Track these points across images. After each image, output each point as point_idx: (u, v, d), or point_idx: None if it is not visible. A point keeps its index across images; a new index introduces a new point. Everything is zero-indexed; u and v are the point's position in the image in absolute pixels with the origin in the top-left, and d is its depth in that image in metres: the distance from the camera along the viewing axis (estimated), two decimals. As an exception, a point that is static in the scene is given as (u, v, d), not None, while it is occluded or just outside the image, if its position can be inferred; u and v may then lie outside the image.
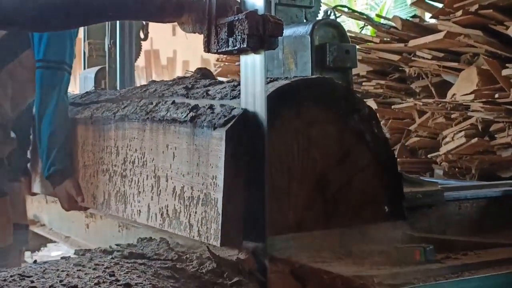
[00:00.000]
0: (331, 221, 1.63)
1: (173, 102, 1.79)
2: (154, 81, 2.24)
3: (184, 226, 1.66)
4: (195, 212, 1.60)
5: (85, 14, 1.66)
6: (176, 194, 1.70)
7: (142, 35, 3.52)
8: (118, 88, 3.36)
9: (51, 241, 3.71)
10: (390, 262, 1.68)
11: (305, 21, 2.34)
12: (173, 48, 16.15)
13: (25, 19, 1.59)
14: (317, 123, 1.60)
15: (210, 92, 1.72)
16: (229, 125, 1.50)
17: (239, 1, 1.56)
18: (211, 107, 1.62)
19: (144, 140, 1.89)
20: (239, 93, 1.58)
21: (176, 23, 1.73)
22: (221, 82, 1.86)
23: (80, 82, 3.78)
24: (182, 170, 1.67)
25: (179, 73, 13.75)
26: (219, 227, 1.49)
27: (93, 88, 3.23)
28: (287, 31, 2.11)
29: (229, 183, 1.49)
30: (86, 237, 2.83)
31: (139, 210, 1.88)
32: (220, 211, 1.49)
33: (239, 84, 1.62)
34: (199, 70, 2.06)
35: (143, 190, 1.87)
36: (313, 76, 1.74)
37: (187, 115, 1.66)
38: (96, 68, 3.62)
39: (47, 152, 2.43)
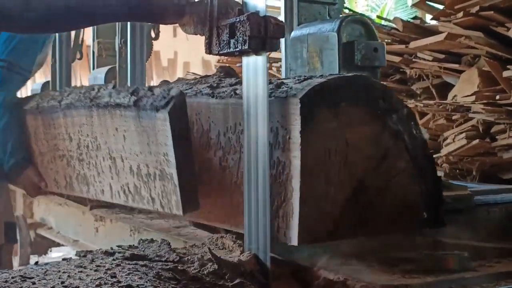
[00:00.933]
0: (366, 228, 1.55)
1: (114, 87, 1.89)
2: (166, 81, 2.26)
3: (147, 200, 1.78)
4: (155, 187, 1.73)
5: (88, 15, 1.66)
6: (134, 172, 1.82)
7: (153, 34, 3.42)
8: None
9: (58, 245, 3.70)
10: (422, 270, 1.57)
11: (328, 18, 2.26)
12: (174, 50, 16.15)
13: (26, 20, 1.59)
14: (355, 124, 1.52)
15: (238, 92, 1.65)
16: (170, 105, 1.59)
17: (240, 2, 1.56)
18: (150, 89, 1.72)
19: (94, 125, 1.97)
20: (271, 92, 1.54)
21: (177, 25, 1.73)
22: None
23: (89, 82, 3.75)
24: (135, 150, 1.77)
25: (180, 74, 13.74)
26: (179, 198, 1.63)
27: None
28: (311, 29, 2.04)
29: (180, 157, 1.61)
30: (95, 240, 2.83)
31: (102, 190, 1.99)
32: (176, 183, 1.62)
33: (270, 83, 1.58)
34: (222, 68, 2.02)
35: (102, 171, 1.97)
36: (350, 74, 1.65)
37: (130, 99, 1.74)
38: (106, 68, 3.55)
39: (3, 146, 2.51)
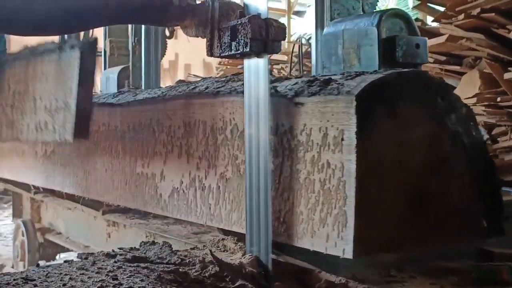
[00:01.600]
0: (425, 238, 1.42)
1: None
2: (182, 81, 2.27)
3: (50, 131, 1.87)
4: (58, 119, 1.83)
5: (86, 18, 1.66)
6: (47, 109, 1.90)
7: (167, 33, 3.25)
8: (143, 88, 3.25)
9: (67, 250, 3.64)
10: (471, 282, 1.43)
11: (362, 12, 2.14)
12: (175, 52, 16.16)
13: (27, 23, 1.60)
14: (412, 124, 1.40)
15: (279, 89, 1.56)
16: (82, 46, 1.69)
17: (242, 5, 1.57)
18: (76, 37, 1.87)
19: (28, 73, 2.04)
20: (320, 89, 1.44)
21: (178, 27, 1.73)
22: (288, 78, 1.71)
23: (102, 82, 3.62)
24: (51, 89, 1.87)
25: (181, 76, 13.75)
26: (72, 125, 1.74)
27: (127, 88, 3.17)
28: (347, 24, 1.92)
29: (80, 91, 1.72)
30: (108, 247, 2.74)
31: (21, 130, 2.07)
32: (73, 112, 1.73)
33: (316, 79, 1.49)
34: None
35: (25, 113, 2.06)
36: (408, 70, 1.52)
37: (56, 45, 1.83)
38: (118, 68, 3.48)
39: None
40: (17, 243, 3.93)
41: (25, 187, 3.65)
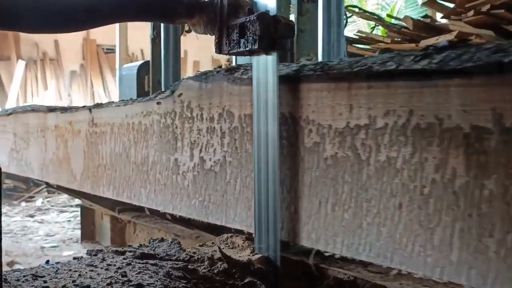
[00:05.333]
0: None
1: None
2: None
3: None
4: None
5: (95, 15, 1.67)
6: None
7: (186, 27, 3.11)
8: (162, 83, 3.14)
9: None
10: None
11: None
12: (183, 48, 16.17)
13: (33, 20, 1.60)
14: None
15: None
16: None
17: (250, 2, 1.56)
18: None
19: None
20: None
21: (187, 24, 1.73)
22: None
23: (118, 79, 3.50)
24: None
25: (189, 73, 13.78)
26: None
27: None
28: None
29: None
30: None
31: None
32: None
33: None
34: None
35: None
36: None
37: None
38: (137, 63, 3.40)
39: None
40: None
41: (106, 203, 3.29)
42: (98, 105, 2.54)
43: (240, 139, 1.69)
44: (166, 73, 3.06)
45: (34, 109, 3.22)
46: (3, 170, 3.34)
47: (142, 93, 3.56)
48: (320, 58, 2.48)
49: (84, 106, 2.69)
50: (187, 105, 1.92)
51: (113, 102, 2.44)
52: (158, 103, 2.06)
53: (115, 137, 2.35)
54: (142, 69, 3.39)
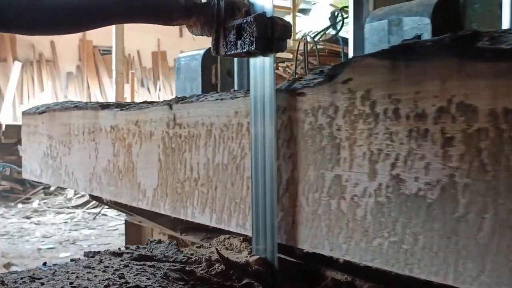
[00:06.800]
0: None
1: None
2: None
3: None
4: None
5: (92, 17, 1.67)
6: None
7: None
8: (234, 74, 2.61)
9: None
10: None
11: None
12: (180, 50, 16.20)
13: (34, 21, 1.60)
14: None
15: None
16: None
17: (247, 3, 1.57)
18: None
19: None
20: None
21: (184, 25, 1.73)
22: None
23: (176, 69, 3.00)
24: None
25: (186, 74, 13.76)
26: None
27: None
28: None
29: None
30: None
31: None
32: None
33: None
34: None
35: None
36: None
37: None
38: (201, 50, 2.87)
39: None
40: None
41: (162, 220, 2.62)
42: (183, 99, 1.93)
43: (491, 149, 1.05)
44: (241, 61, 2.51)
45: (79, 106, 2.62)
46: (33, 179, 3.16)
47: (208, 87, 2.99)
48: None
49: (159, 101, 2.11)
50: (362, 96, 1.29)
51: (206, 94, 1.87)
52: (301, 94, 1.45)
53: (216, 142, 1.75)
54: (207, 58, 2.83)
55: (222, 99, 1.73)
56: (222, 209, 1.73)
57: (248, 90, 1.59)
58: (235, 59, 2.58)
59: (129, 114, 2.19)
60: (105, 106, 2.40)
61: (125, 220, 3.11)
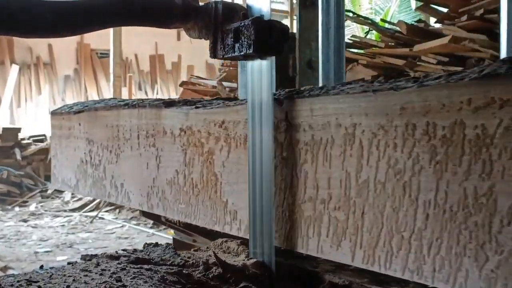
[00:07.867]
0: None
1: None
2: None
3: None
4: None
5: (89, 20, 1.67)
6: None
7: None
8: (319, 66, 2.18)
9: None
10: None
11: None
12: (177, 53, 16.23)
13: (29, 24, 1.60)
14: None
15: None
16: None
17: (245, 7, 1.57)
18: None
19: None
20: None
21: (181, 29, 1.73)
22: None
23: (243, 70, 2.24)
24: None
25: (184, 77, 13.79)
26: None
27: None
28: None
29: None
30: None
31: None
32: None
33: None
34: None
35: None
36: None
37: None
38: None
39: None
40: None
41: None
42: (298, 93, 1.46)
43: None
44: (326, 49, 2.12)
45: (130, 104, 2.12)
46: (66, 189, 3.04)
47: (283, 81, 2.52)
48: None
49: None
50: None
51: (339, 84, 1.40)
52: None
53: (363, 150, 1.25)
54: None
55: (374, 90, 1.22)
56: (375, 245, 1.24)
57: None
58: (320, 46, 2.19)
59: (211, 113, 1.73)
60: (170, 103, 1.92)
61: (173, 238, 2.45)
